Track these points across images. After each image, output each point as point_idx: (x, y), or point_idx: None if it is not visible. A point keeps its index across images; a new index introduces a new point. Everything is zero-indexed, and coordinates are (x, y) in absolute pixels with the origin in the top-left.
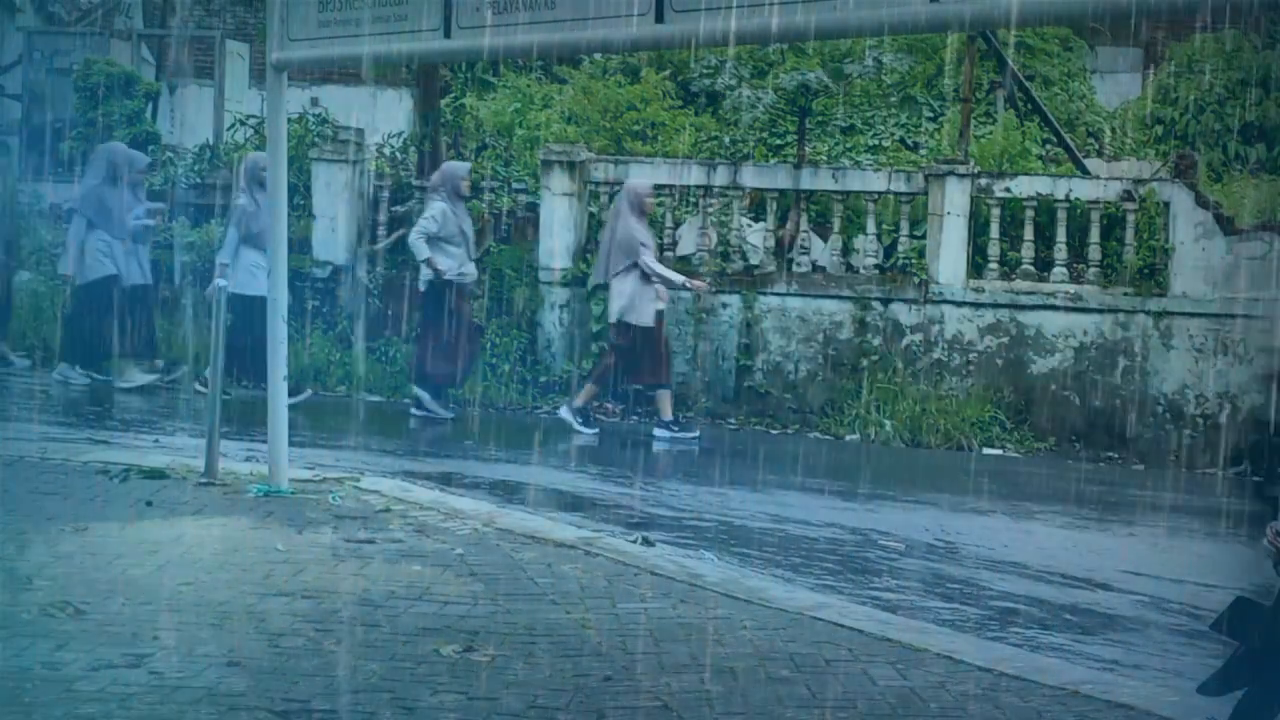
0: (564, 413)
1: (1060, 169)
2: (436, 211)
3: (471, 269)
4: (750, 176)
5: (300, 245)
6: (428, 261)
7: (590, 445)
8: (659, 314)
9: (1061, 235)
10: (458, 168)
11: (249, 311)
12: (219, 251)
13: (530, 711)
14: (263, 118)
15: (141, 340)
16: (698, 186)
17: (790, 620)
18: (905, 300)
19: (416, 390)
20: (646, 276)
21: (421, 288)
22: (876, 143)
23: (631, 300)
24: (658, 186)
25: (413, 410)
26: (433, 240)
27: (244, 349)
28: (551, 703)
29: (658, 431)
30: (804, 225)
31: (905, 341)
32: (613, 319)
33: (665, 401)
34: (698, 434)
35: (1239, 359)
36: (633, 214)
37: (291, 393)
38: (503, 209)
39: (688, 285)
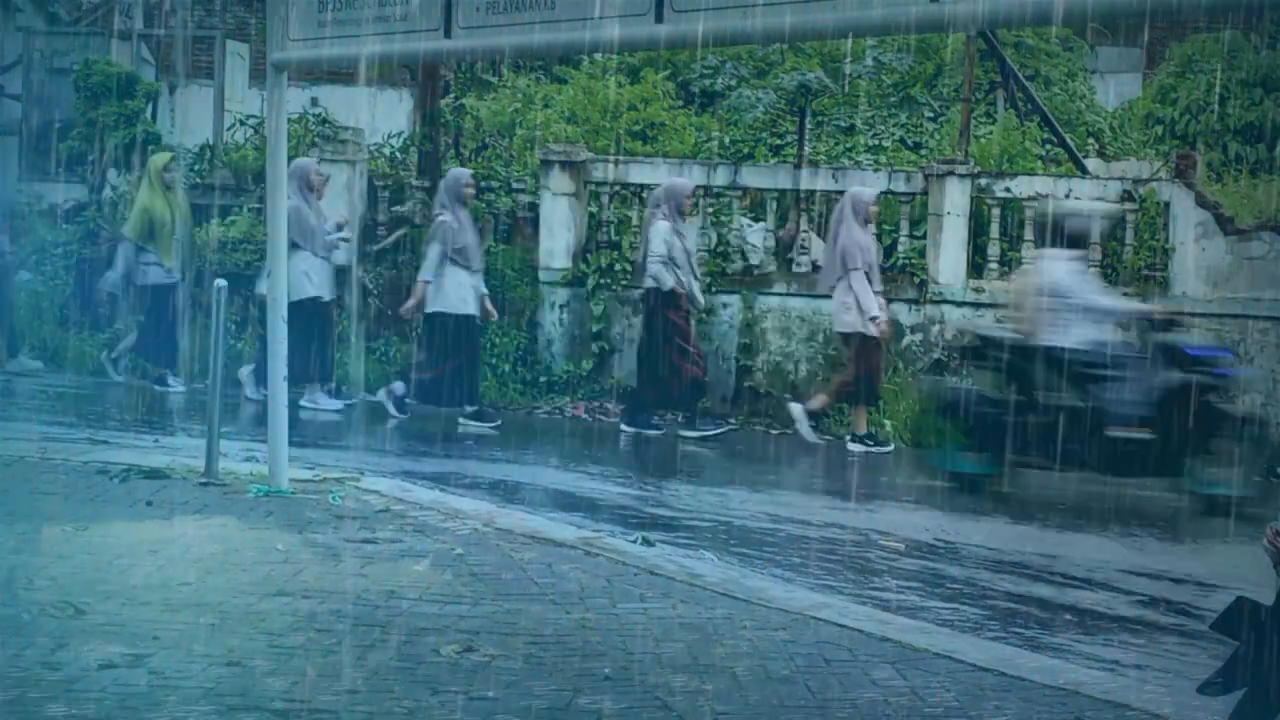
0: (802, 429)
1: (1060, 169)
2: (664, 233)
3: (693, 285)
4: (750, 176)
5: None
6: (670, 284)
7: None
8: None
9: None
10: (682, 186)
11: (457, 331)
12: (421, 270)
13: (530, 711)
14: (263, 118)
15: (328, 359)
16: (698, 186)
17: (790, 620)
18: (905, 300)
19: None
20: (865, 283)
21: (647, 283)
22: (876, 143)
23: (853, 309)
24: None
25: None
26: (664, 261)
27: (449, 371)
28: (551, 703)
29: (851, 446)
30: (804, 225)
31: (905, 341)
32: (836, 329)
33: (860, 414)
34: (891, 448)
35: (1239, 359)
36: (856, 221)
37: (481, 418)
38: (502, 209)
39: (871, 324)
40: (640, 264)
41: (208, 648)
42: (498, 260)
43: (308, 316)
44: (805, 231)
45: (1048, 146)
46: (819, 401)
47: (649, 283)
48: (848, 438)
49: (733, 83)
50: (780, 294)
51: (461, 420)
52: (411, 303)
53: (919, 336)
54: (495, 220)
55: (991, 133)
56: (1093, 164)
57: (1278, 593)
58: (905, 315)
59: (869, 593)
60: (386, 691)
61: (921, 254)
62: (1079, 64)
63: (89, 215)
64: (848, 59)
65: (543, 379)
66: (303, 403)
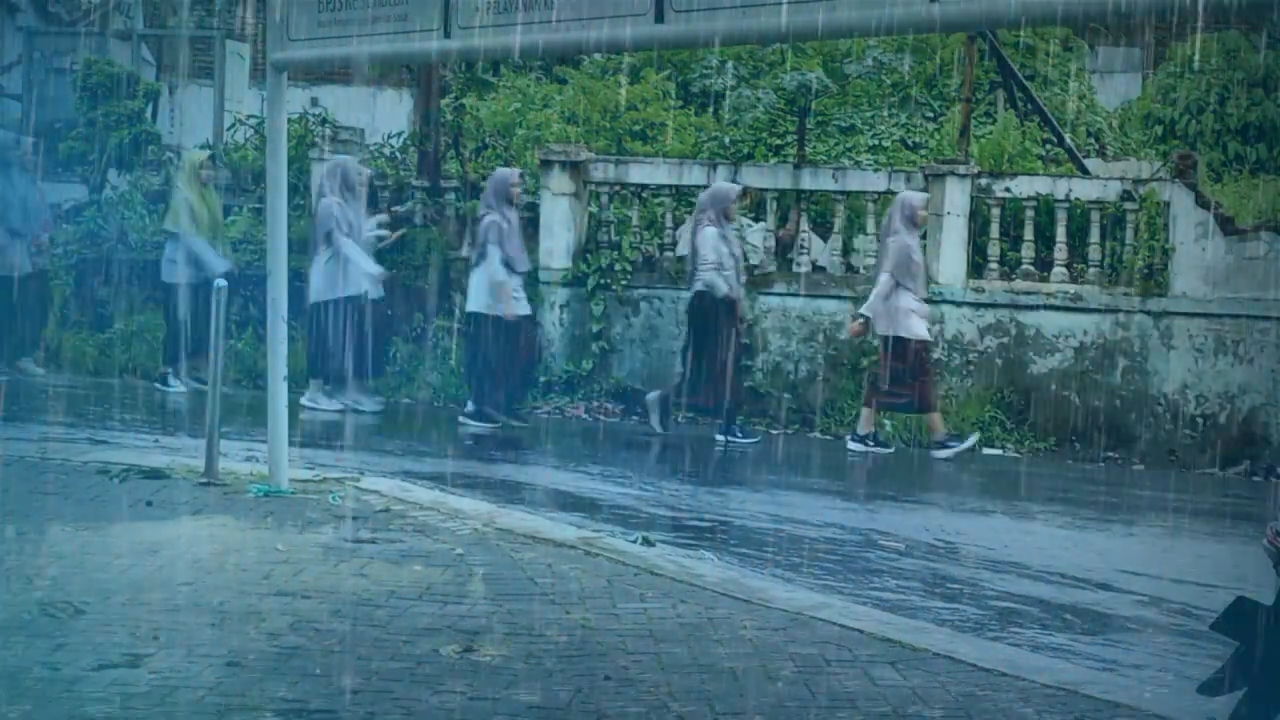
0: (851, 444)
1: (1060, 169)
2: (712, 239)
3: (740, 290)
4: (750, 176)
5: (300, 246)
6: (724, 291)
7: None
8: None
9: (1062, 235)
10: (728, 190)
11: (513, 333)
12: (493, 275)
13: (530, 711)
14: (263, 118)
15: (373, 359)
16: (698, 186)
17: (790, 620)
18: None
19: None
20: (906, 289)
21: (697, 287)
22: (876, 143)
23: (893, 313)
24: (658, 187)
25: (726, 439)
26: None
27: (496, 372)
28: (551, 703)
29: (936, 453)
30: (804, 225)
31: None
32: (879, 332)
33: (867, 415)
34: (891, 448)
35: (1239, 359)
36: (904, 225)
37: (481, 418)
38: None
39: (850, 329)
40: (690, 272)
41: (208, 648)
42: None
43: (353, 314)
44: (805, 232)
45: (1048, 146)
46: (941, 429)
47: (699, 286)
48: (849, 437)
49: (733, 83)
50: (780, 294)
51: (461, 420)
52: (505, 309)
53: None
54: None
55: (991, 133)
56: (1093, 164)
57: (1278, 593)
58: None
59: (869, 593)
60: (386, 691)
61: (922, 254)
62: (1079, 64)
63: (89, 215)
64: (848, 59)
65: (543, 379)
66: (303, 402)
